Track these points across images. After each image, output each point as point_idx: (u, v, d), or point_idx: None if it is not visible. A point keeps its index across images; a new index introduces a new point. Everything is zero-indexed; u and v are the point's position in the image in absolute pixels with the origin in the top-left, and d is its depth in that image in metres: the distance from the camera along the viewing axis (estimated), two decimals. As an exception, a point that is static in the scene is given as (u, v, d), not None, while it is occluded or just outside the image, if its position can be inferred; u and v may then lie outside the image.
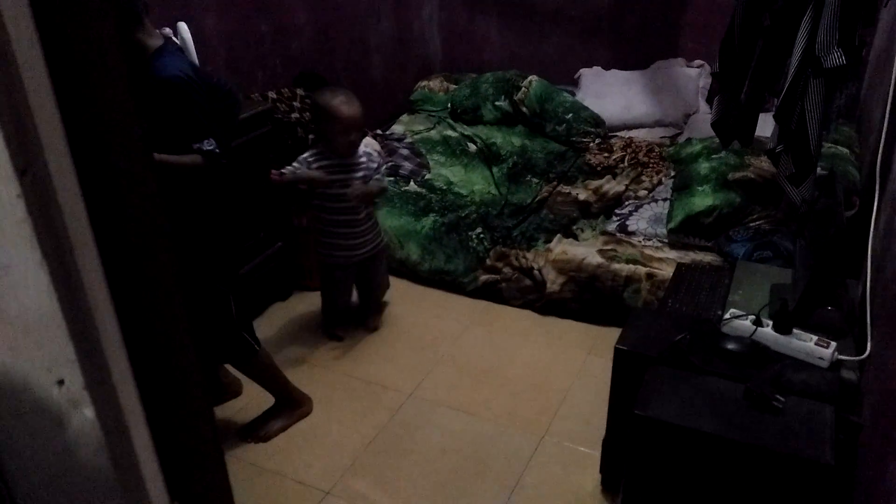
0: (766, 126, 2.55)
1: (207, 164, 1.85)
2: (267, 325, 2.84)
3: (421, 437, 2.29)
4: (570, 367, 2.59)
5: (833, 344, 1.68)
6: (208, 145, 1.83)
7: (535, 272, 2.89)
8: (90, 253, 0.50)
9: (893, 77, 1.90)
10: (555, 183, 3.45)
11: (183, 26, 2.55)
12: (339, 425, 2.34)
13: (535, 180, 3.49)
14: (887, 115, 1.91)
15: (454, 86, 4.29)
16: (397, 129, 4.00)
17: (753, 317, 1.76)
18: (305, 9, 3.48)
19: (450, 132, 3.88)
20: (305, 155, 2.59)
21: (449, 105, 4.14)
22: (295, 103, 3.02)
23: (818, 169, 2.28)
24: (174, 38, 2.54)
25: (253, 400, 2.39)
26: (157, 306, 0.57)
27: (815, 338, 1.69)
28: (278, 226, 2.93)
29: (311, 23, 3.53)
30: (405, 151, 3.68)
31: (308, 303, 3.01)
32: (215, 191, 1.99)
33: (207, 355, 2.25)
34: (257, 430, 2.28)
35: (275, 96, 2.99)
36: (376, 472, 2.15)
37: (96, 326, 0.50)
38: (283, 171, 2.53)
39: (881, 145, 1.92)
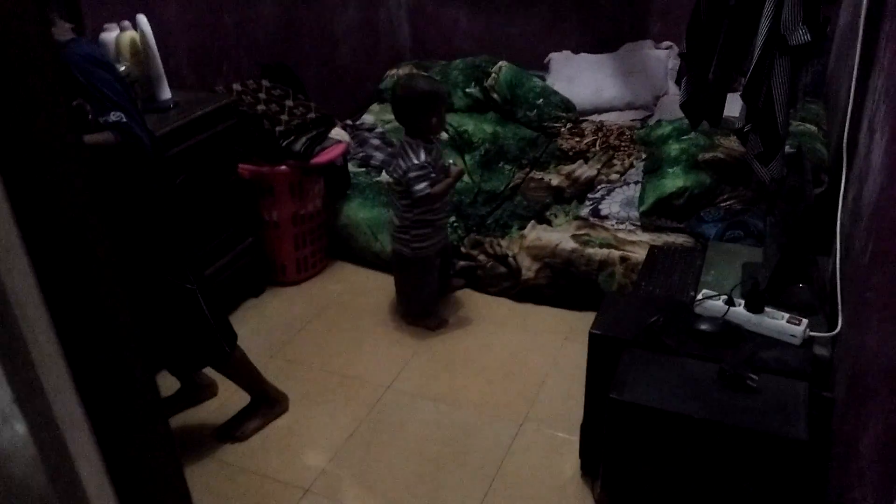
0: (734, 106, 2.56)
1: (123, 139, 1.79)
2: (240, 322, 2.79)
3: (400, 429, 2.27)
4: (547, 353, 2.59)
5: (804, 321, 1.69)
6: (115, 116, 1.78)
7: (510, 259, 2.88)
8: (15, 252, 0.46)
9: (857, 54, 1.90)
10: (527, 169, 3.43)
11: (142, 18, 2.48)
12: (317, 421, 2.31)
13: (507, 167, 3.47)
14: (852, 92, 1.92)
15: (424, 73, 4.25)
16: (368, 118, 3.96)
17: (725, 297, 1.77)
18: (269, -1, 3.42)
19: (421, 121, 3.85)
20: (422, 158, 2.48)
21: (419, 93, 4.10)
22: (261, 95, 2.96)
23: (786, 147, 2.29)
24: (133, 31, 2.48)
25: (229, 399, 2.35)
26: (94, 306, 0.54)
27: (786, 315, 1.70)
28: (248, 221, 2.88)
29: (276, 13, 3.47)
30: (376, 141, 3.64)
31: (282, 298, 2.97)
32: (164, 181, 1.96)
33: (183, 362, 2.20)
34: (233, 429, 2.24)
35: (240, 88, 2.93)
36: (356, 467, 2.13)
37: (23, 335, 0.47)
38: (420, 188, 2.45)
39: (847, 122, 1.93)
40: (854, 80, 1.92)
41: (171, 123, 2.40)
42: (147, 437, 0.59)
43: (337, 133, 3.14)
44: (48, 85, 0.50)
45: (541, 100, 3.79)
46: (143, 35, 2.47)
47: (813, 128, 3.08)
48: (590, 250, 2.75)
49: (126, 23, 2.49)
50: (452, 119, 3.81)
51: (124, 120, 1.79)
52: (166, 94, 2.54)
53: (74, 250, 0.51)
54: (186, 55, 2.97)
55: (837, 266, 1.76)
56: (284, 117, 2.89)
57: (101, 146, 1.77)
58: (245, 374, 2.22)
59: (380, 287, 3.04)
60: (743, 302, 1.75)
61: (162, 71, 2.52)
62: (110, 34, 2.47)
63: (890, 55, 1.62)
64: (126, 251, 1.93)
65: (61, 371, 0.49)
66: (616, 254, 2.71)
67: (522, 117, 3.79)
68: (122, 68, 2.30)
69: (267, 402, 2.28)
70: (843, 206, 1.84)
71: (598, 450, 1.80)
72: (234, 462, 2.16)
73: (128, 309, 0.57)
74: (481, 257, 2.94)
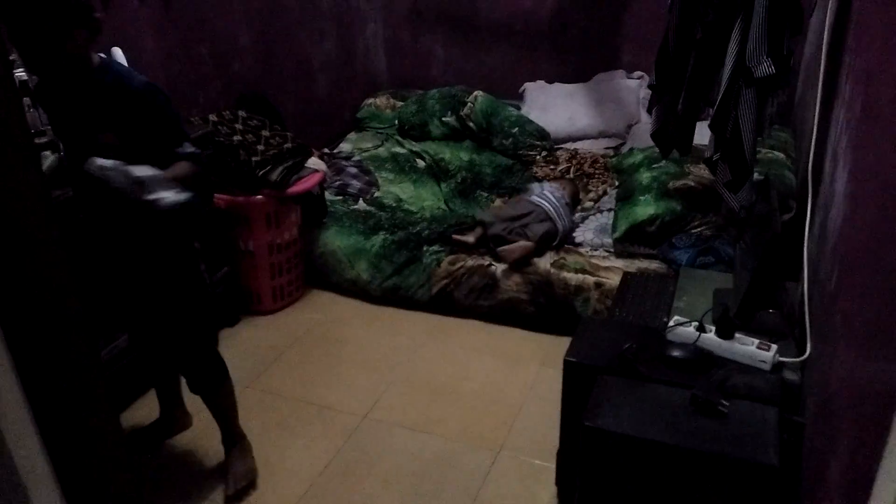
0: (703, 135, 2.61)
1: (200, 168, 1.84)
2: (215, 352, 2.77)
3: (376, 459, 2.26)
4: (524, 380, 2.60)
5: (774, 346, 1.71)
6: (189, 148, 1.83)
7: (491, 267, 2.88)
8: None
9: (820, 86, 1.96)
10: (505, 197, 3.46)
11: (117, 51, 2.49)
12: (293, 452, 2.29)
13: (484, 195, 3.50)
14: (816, 123, 1.97)
15: (401, 103, 4.29)
16: (345, 147, 3.98)
17: (697, 323, 1.79)
18: (247, 30, 3.44)
19: (398, 149, 3.88)
20: None
21: (396, 122, 4.14)
22: (237, 125, 2.97)
23: (755, 174, 2.34)
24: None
25: (203, 430, 2.32)
26: (58, 352, 0.53)
27: (756, 341, 1.72)
28: (223, 250, 2.87)
29: (252, 43, 3.49)
30: (353, 170, 3.66)
31: (257, 328, 2.95)
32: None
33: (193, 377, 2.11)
34: (237, 482, 2.12)
35: (216, 119, 2.93)
36: (332, 498, 2.11)
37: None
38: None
39: (812, 151, 1.98)
40: (818, 110, 1.97)
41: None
42: (113, 482, 0.59)
43: (313, 162, 3.15)
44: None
45: (516, 128, 3.85)
46: (118, 66, 2.47)
47: (781, 155, 3.15)
48: (566, 274, 2.77)
49: (102, 55, 2.48)
50: (429, 147, 3.85)
51: (197, 151, 1.83)
52: (141, 124, 2.54)
53: (40, 295, 0.51)
54: (162, 85, 2.96)
55: (806, 292, 1.79)
56: (261, 147, 2.90)
57: (189, 178, 1.80)
58: (230, 406, 2.18)
59: (357, 315, 3.03)
60: (714, 328, 1.77)
61: (137, 101, 2.52)
62: (85, 65, 2.46)
63: (850, 88, 1.67)
64: (156, 266, 1.94)
65: (25, 421, 0.49)
66: (591, 279, 2.74)
67: (498, 145, 3.83)
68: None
69: (238, 441, 2.20)
70: (809, 232, 1.88)
71: (574, 477, 1.79)
72: (211, 497, 2.12)
73: (95, 354, 0.56)
74: (460, 268, 2.93)
